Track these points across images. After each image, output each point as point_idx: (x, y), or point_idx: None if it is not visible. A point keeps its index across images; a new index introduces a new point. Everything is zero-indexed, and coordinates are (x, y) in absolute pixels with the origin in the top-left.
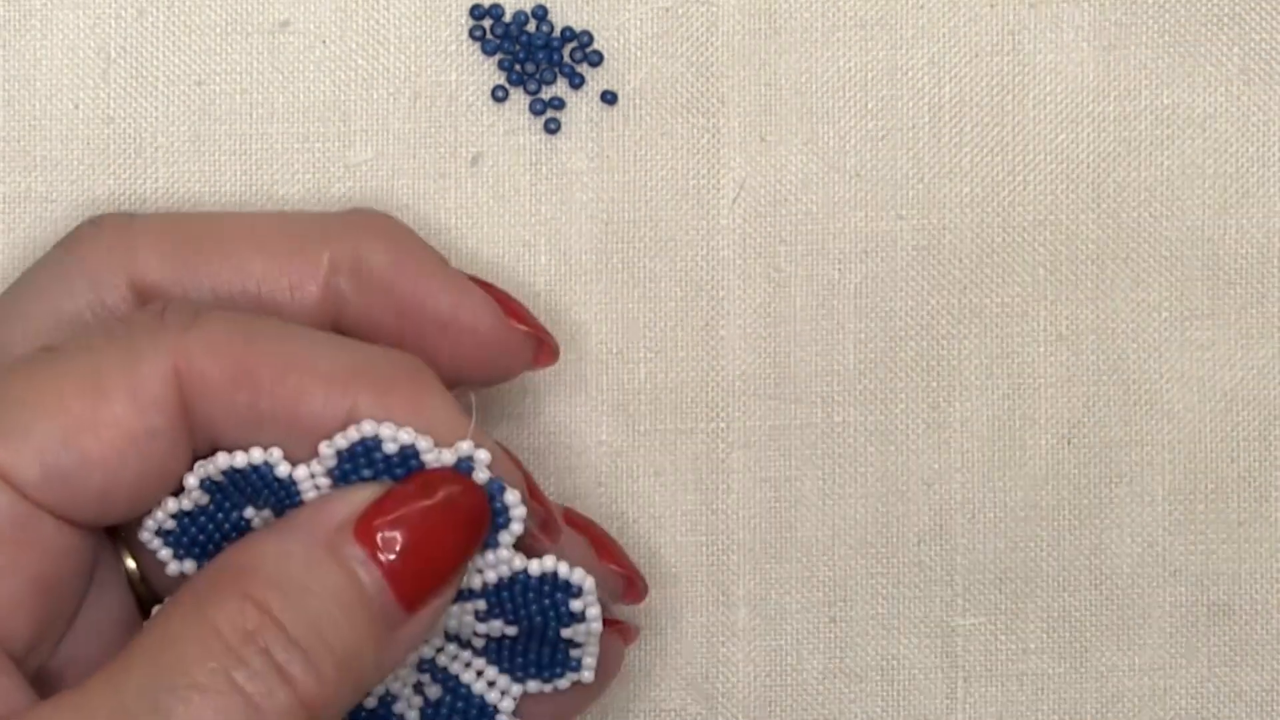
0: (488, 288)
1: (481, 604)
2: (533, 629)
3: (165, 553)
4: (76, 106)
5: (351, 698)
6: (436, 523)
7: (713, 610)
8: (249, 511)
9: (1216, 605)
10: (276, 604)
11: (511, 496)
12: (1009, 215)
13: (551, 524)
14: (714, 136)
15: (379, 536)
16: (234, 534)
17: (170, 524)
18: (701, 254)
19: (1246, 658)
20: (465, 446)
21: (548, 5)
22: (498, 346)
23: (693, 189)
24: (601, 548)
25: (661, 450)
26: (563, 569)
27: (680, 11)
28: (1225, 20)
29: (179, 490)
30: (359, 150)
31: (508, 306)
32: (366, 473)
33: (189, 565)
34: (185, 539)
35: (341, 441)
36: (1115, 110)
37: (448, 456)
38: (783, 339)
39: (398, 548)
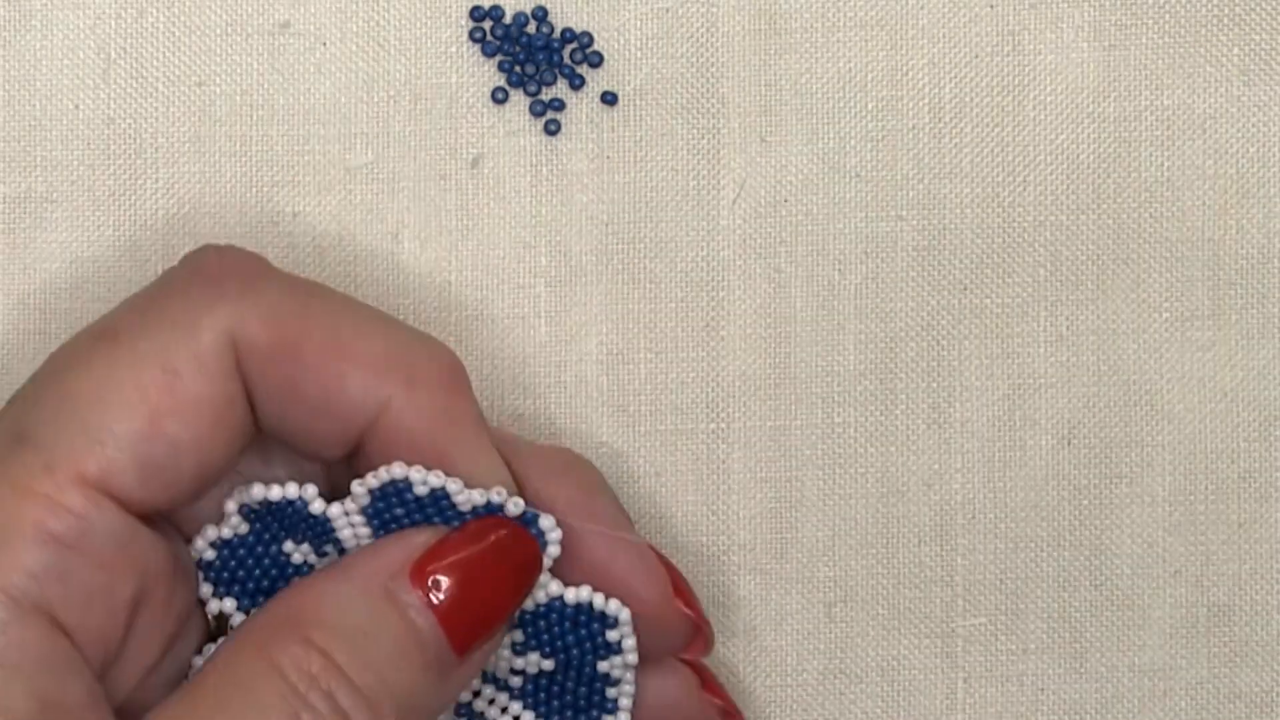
0: (665, 564)
1: (518, 635)
2: (569, 663)
3: (205, 588)
4: (76, 106)
5: None
6: (488, 568)
7: (713, 610)
8: (288, 545)
9: (1217, 606)
10: (338, 649)
11: (546, 521)
12: (1009, 215)
13: (703, 636)
14: (714, 137)
15: (433, 582)
16: (274, 569)
17: (210, 554)
18: (701, 254)
19: (1247, 659)
20: (496, 495)
21: (548, 6)
22: (657, 623)
23: (693, 189)
24: (677, 590)
25: (661, 450)
26: (598, 599)
27: (680, 12)
28: (1225, 20)
29: (219, 519)
30: (359, 152)
31: (678, 586)
32: (399, 510)
33: (229, 604)
34: (225, 573)
35: (373, 481)
36: (1115, 110)
37: (478, 498)
38: (783, 339)
39: (451, 593)
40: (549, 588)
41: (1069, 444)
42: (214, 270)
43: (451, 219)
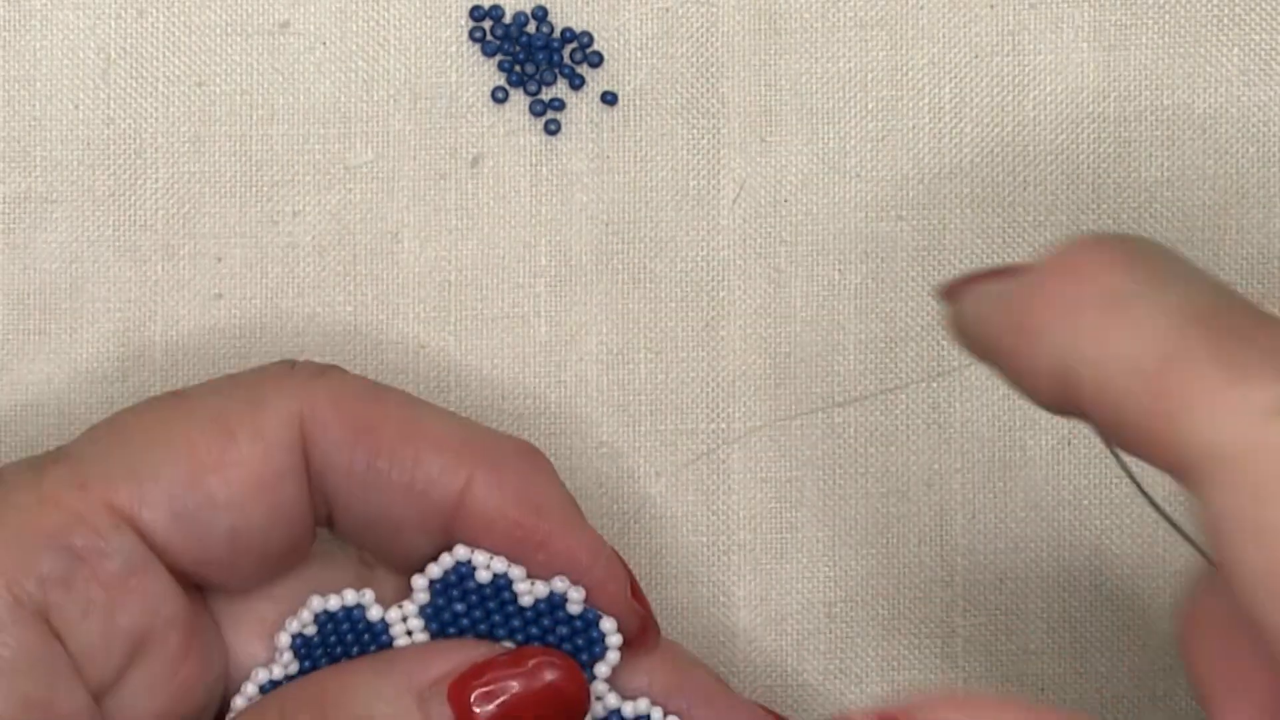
0: (622, 563)
1: None
2: None
3: None
4: (76, 106)
5: None
6: (532, 703)
7: (713, 611)
8: None
9: None
10: None
11: (608, 624)
12: (1009, 215)
13: (650, 630)
14: (714, 137)
15: (473, 701)
16: None
17: (254, 690)
18: (701, 254)
19: None
20: (560, 584)
21: (548, 6)
22: (614, 615)
23: (693, 189)
24: (633, 589)
25: (662, 450)
26: (656, 714)
27: (680, 12)
28: (1225, 20)
29: (269, 661)
30: (359, 151)
31: (634, 585)
32: (459, 606)
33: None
34: None
35: (435, 570)
36: (1115, 110)
37: (541, 589)
38: (783, 339)
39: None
40: (607, 700)
41: (1069, 444)
42: (291, 364)
43: (451, 219)
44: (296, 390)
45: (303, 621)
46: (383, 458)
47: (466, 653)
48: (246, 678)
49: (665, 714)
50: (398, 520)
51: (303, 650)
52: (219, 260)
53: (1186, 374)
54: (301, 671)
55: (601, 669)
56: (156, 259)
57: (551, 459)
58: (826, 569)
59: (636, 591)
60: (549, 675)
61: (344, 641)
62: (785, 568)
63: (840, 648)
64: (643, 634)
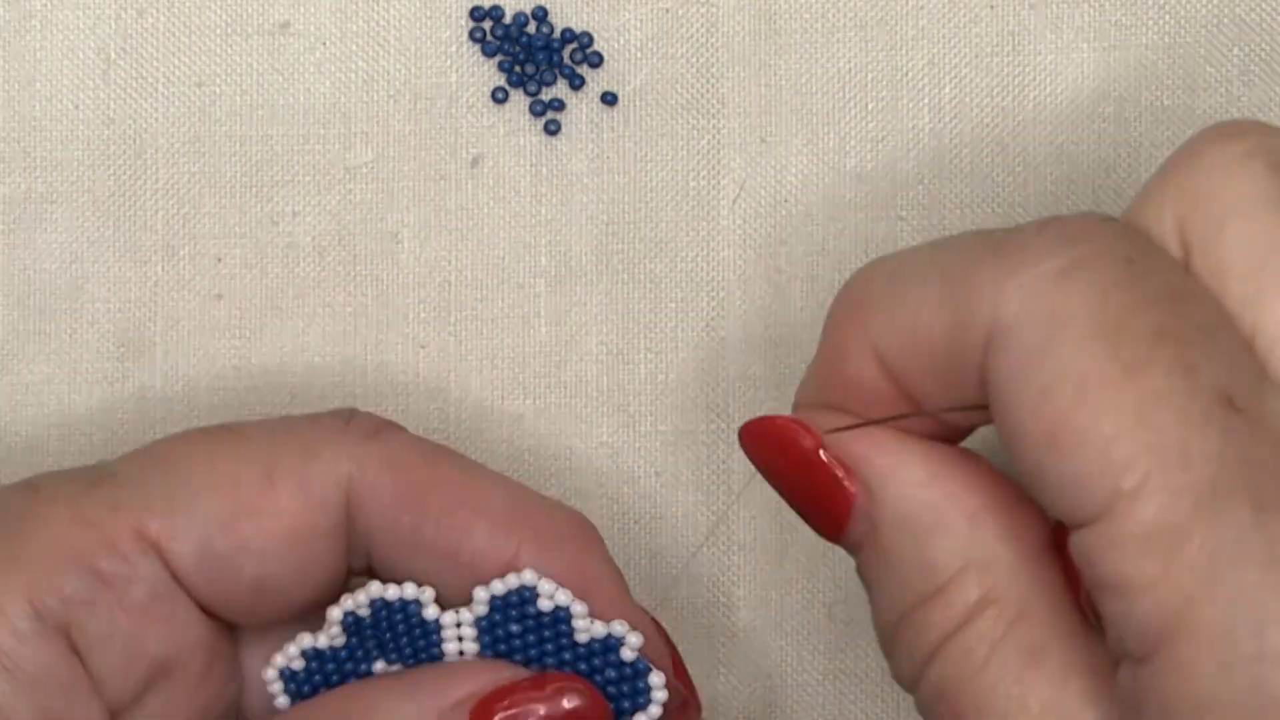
0: (666, 639)
1: None
2: None
3: (283, 700)
4: (76, 107)
5: None
6: None
7: (714, 612)
8: (379, 665)
9: None
10: None
11: (656, 679)
12: (1009, 215)
13: (692, 706)
14: (714, 137)
15: None
16: None
17: (299, 663)
18: (701, 254)
19: None
20: (619, 626)
21: (548, 6)
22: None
23: (693, 190)
24: (676, 665)
25: (662, 450)
26: None
27: (680, 12)
28: (1225, 20)
29: (317, 627)
30: (359, 151)
31: (676, 661)
32: (514, 628)
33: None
34: (307, 686)
35: (499, 587)
36: (1115, 110)
37: (598, 629)
38: (783, 339)
39: None
40: None
41: None
42: (347, 417)
43: (451, 219)
44: (351, 448)
45: (358, 602)
46: (430, 525)
47: (490, 675)
48: (280, 653)
49: None
50: (440, 584)
51: (353, 628)
52: (219, 260)
53: (976, 275)
54: (348, 648)
55: (642, 719)
56: (156, 259)
57: (551, 459)
58: (826, 569)
59: (679, 669)
60: (572, 702)
61: (394, 630)
62: (785, 568)
63: (840, 648)
64: (683, 710)
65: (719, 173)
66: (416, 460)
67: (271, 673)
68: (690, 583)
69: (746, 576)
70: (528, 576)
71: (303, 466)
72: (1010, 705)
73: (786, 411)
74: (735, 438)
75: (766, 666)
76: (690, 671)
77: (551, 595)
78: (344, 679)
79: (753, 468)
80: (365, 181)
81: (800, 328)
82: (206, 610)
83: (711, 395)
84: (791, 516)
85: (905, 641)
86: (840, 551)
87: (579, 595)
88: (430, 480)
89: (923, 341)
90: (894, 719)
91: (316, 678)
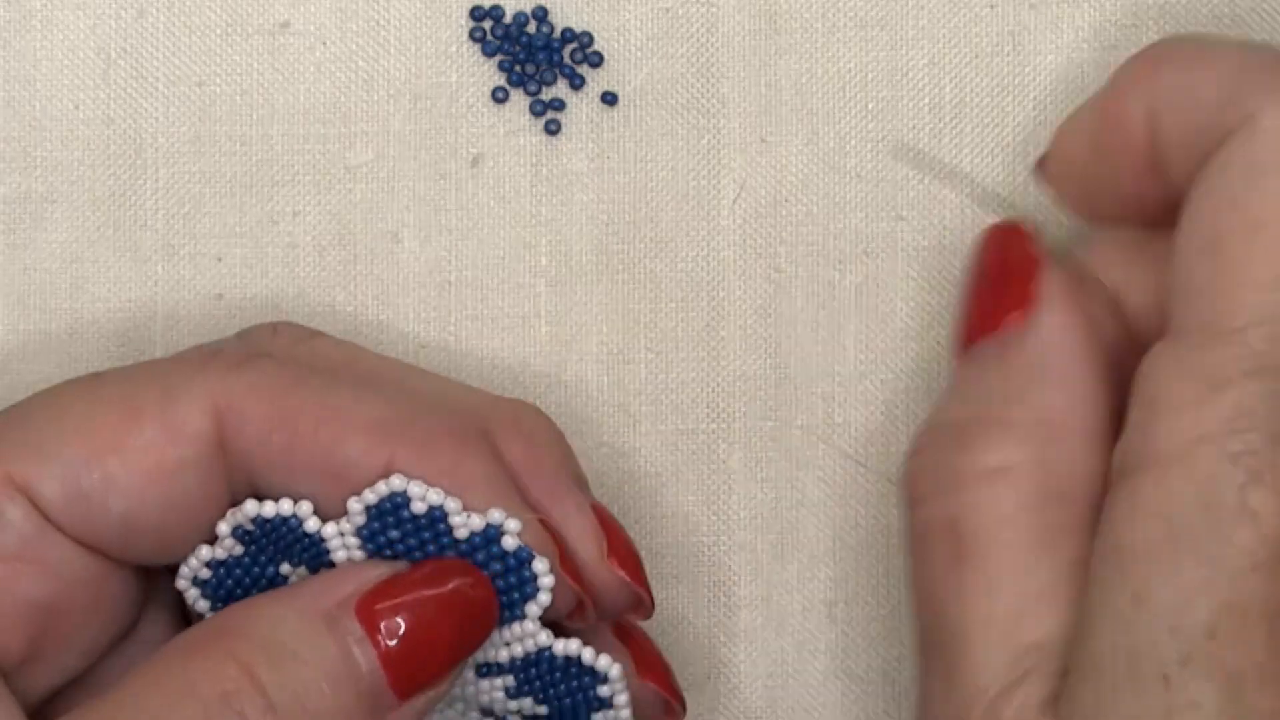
0: (609, 525)
1: (510, 680)
2: (563, 711)
3: (203, 604)
4: (76, 107)
5: None
6: (440, 614)
7: (714, 612)
8: (285, 568)
9: None
10: (261, 667)
11: (540, 565)
12: (1009, 215)
13: (674, 710)
14: (714, 137)
15: (381, 618)
16: (269, 589)
17: (205, 573)
18: (701, 254)
19: None
20: (496, 515)
21: (548, 6)
22: (591, 586)
23: (693, 189)
24: (646, 663)
25: (662, 450)
26: (587, 654)
27: (680, 12)
28: (1225, 20)
29: (214, 539)
30: (359, 151)
31: (615, 547)
32: (394, 533)
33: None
34: (222, 590)
35: (370, 497)
36: None
37: (476, 521)
38: (783, 339)
39: (398, 633)
40: (538, 637)
41: None
42: (213, 350)
43: (451, 219)
44: (214, 381)
45: (241, 518)
46: (301, 445)
47: (371, 572)
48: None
49: (596, 654)
50: (324, 498)
51: (246, 539)
52: (219, 260)
53: (1259, 76)
54: (249, 555)
55: (532, 608)
56: (156, 259)
57: None
58: (827, 569)
59: (628, 561)
60: (454, 582)
61: (285, 541)
62: (785, 568)
63: (841, 648)
64: (666, 712)
65: (719, 173)
66: (284, 383)
67: (183, 582)
68: (690, 583)
69: (746, 576)
70: (395, 481)
71: (165, 402)
72: None
73: (786, 411)
74: (735, 438)
75: (766, 666)
76: (690, 671)
77: (423, 496)
78: (255, 582)
79: (752, 467)
80: (365, 181)
81: (800, 328)
82: (86, 547)
83: (711, 395)
84: (792, 516)
85: None
86: (840, 552)
87: (457, 494)
88: (298, 400)
89: (1193, 109)
90: (894, 719)
91: (229, 582)
